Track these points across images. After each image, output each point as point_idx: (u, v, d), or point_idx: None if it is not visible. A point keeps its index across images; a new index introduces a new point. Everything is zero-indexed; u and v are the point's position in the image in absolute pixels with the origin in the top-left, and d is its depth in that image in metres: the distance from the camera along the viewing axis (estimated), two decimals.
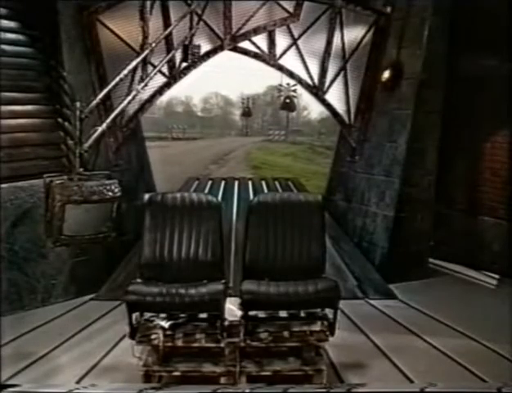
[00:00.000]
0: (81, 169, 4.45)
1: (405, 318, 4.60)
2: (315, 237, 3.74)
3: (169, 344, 3.40)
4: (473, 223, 5.78)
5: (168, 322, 3.45)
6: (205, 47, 6.38)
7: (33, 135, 5.01)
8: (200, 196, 3.91)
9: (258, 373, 3.37)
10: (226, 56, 6.80)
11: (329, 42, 6.82)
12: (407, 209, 5.91)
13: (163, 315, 3.50)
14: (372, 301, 5.20)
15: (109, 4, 5.64)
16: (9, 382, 3.35)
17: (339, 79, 6.99)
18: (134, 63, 5.39)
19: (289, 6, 6.68)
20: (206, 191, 9.68)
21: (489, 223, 5.73)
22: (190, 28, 6.10)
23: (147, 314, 3.51)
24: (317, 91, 7.08)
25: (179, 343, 3.43)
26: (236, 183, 10.27)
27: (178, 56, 6.19)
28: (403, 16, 6.08)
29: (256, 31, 6.65)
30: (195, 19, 6.13)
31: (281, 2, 6.65)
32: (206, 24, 6.32)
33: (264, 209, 3.82)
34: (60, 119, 5.19)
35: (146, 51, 5.54)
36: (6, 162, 4.61)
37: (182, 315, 3.54)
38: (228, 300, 3.56)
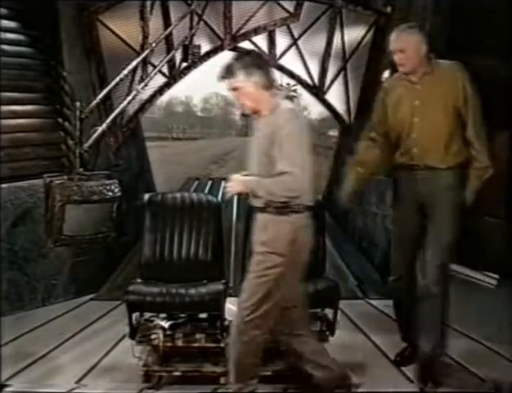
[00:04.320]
0: (81, 169, 4.46)
1: None
2: (315, 237, 3.73)
3: (169, 344, 3.41)
4: (473, 223, 5.77)
5: (168, 323, 3.45)
6: (205, 47, 6.40)
7: (33, 135, 5.01)
8: (200, 196, 3.91)
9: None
10: (226, 56, 6.81)
11: (329, 43, 6.84)
12: None
13: (163, 315, 3.50)
14: (372, 301, 5.20)
15: (109, 4, 5.65)
16: (9, 382, 3.35)
17: (339, 79, 7.01)
18: (134, 63, 5.40)
19: (290, 6, 6.70)
20: (206, 191, 9.68)
21: (489, 223, 5.72)
22: (190, 28, 6.12)
23: (147, 314, 3.52)
24: (317, 91, 7.09)
25: (179, 343, 3.43)
26: None
27: (178, 56, 6.20)
28: (403, 16, 6.08)
29: (256, 31, 6.67)
30: (195, 19, 6.14)
31: (281, 2, 6.66)
32: (206, 24, 6.34)
33: None
34: (60, 119, 5.19)
35: (146, 51, 5.56)
36: (6, 162, 4.61)
37: (182, 315, 3.54)
38: (228, 300, 3.56)
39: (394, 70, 6.07)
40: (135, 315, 3.45)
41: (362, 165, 3.53)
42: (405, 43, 3.32)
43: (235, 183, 2.92)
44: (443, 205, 3.36)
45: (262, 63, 2.95)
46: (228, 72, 2.87)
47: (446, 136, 3.31)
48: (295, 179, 2.78)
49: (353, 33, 6.70)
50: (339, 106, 7.02)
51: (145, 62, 5.68)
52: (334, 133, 9.91)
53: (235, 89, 2.88)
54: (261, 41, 6.96)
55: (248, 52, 2.86)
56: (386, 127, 3.43)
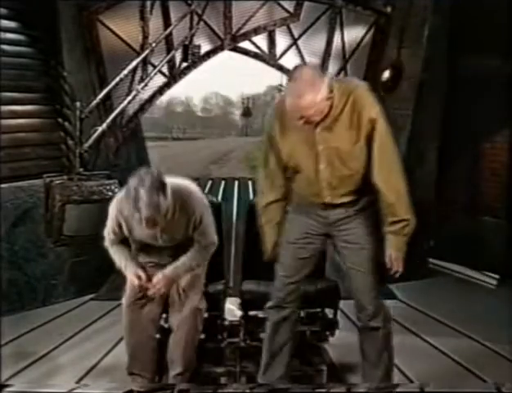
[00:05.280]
0: (81, 169, 4.47)
1: (405, 318, 4.59)
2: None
3: None
4: (473, 223, 5.78)
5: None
6: (205, 47, 6.39)
7: (33, 135, 5.01)
8: None
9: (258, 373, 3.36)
10: (226, 56, 6.81)
11: (329, 43, 6.83)
12: None
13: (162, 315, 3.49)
14: None
15: (109, 4, 5.64)
16: (9, 382, 3.35)
17: None
18: (134, 63, 5.41)
19: (290, 6, 6.70)
20: (206, 191, 9.67)
21: (489, 223, 5.73)
22: (190, 28, 6.12)
23: None
24: None
25: None
26: (236, 183, 10.26)
27: (178, 56, 6.20)
28: (403, 16, 6.08)
29: (256, 31, 6.67)
30: (195, 19, 6.14)
31: (281, 2, 6.66)
32: (206, 24, 6.34)
33: None
34: (60, 119, 5.19)
35: (146, 51, 5.56)
36: (6, 162, 4.62)
37: None
38: (228, 300, 3.56)
39: (394, 70, 6.13)
40: None
41: (275, 221, 3.06)
42: (309, 108, 2.57)
43: (166, 280, 3.16)
44: (359, 229, 2.91)
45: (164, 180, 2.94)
46: (159, 210, 2.87)
47: (360, 177, 2.81)
48: (216, 243, 3.28)
49: (353, 33, 6.69)
50: None
51: (145, 62, 5.68)
52: None
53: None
54: (261, 41, 6.95)
55: (153, 173, 2.88)
56: (282, 166, 2.87)
